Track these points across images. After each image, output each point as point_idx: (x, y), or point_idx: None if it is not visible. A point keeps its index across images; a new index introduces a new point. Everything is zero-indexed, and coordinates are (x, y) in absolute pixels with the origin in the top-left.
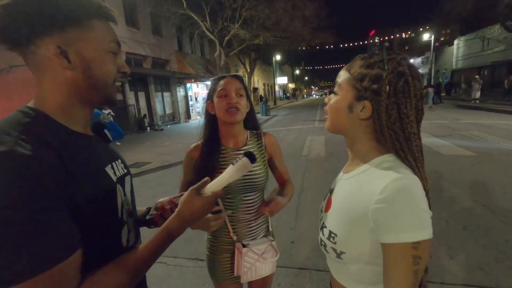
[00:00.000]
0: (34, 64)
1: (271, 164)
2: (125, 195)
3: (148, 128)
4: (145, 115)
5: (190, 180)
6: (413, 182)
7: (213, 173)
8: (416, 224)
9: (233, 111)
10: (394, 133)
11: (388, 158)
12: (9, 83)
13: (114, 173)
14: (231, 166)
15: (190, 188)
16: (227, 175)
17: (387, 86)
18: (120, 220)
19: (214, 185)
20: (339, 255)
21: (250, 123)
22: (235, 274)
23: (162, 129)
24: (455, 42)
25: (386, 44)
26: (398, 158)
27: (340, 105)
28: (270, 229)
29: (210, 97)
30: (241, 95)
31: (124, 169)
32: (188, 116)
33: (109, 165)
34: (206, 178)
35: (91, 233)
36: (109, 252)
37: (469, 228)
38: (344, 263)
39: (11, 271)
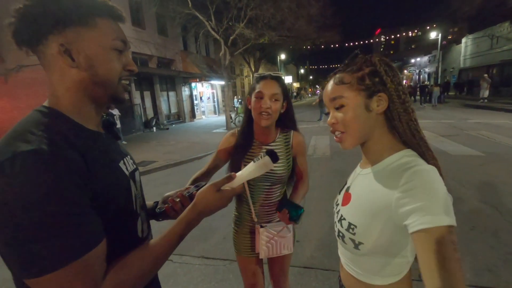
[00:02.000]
0: (44, 63)
1: (293, 161)
2: (136, 189)
3: (155, 127)
4: (152, 117)
5: (218, 162)
6: (433, 169)
7: (239, 162)
8: (446, 208)
9: (265, 116)
10: (406, 113)
11: (408, 153)
12: (18, 82)
13: (126, 168)
14: (252, 163)
15: (212, 183)
16: (246, 172)
17: (386, 75)
18: (135, 212)
19: (233, 182)
20: (357, 245)
21: (285, 122)
22: (256, 251)
23: (167, 128)
24: (463, 40)
25: (357, 51)
26: (416, 148)
27: (357, 112)
28: None
29: (250, 92)
30: (276, 100)
31: (133, 164)
32: (193, 115)
33: (121, 161)
34: (230, 174)
35: (110, 225)
36: (127, 242)
37: (477, 228)
38: (361, 254)
39: (43, 261)
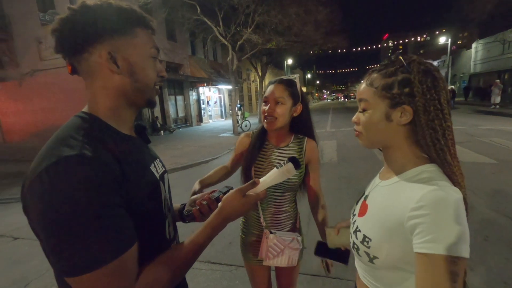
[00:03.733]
0: (87, 70)
1: (306, 169)
2: (165, 191)
3: (162, 131)
4: (157, 117)
5: (236, 162)
6: (452, 194)
7: (251, 162)
8: (455, 237)
9: (269, 119)
10: (433, 131)
11: (429, 169)
12: (31, 86)
13: (157, 171)
14: (274, 169)
15: (237, 188)
16: (270, 178)
17: (419, 86)
18: (164, 214)
19: (258, 188)
20: (371, 259)
21: (300, 126)
22: (259, 257)
23: (172, 131)
24: (473, 45)
25: (399, 51)
26: (439, 166)
27: (376, 118)
28: (298, 226)
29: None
30: (280, 103)
31: (162, 167)
32: (200, 119)
33: (152, 164)
34: (254, 180)
35: (141, 228)
36: (155, 244)
37: (490, 239)
38: (376, 268)
39: (83, 261)
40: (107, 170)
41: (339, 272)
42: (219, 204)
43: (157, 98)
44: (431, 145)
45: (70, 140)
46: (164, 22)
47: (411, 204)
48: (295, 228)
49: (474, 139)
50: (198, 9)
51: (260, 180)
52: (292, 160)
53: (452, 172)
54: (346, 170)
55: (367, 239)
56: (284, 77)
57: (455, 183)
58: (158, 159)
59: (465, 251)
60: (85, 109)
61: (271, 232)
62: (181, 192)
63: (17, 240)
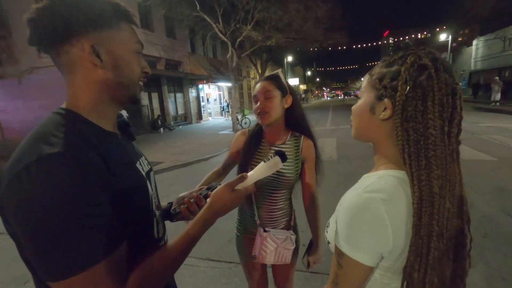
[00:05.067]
0: (67, 64)
1: (302, 166)
2: (152, 189)
3: (162, 129)
4: (159, 116)
5: (230, 162)
6: (373, 203)
7: (248, 161)
8: (342, 233)
9: (262, 115)
10: (406, 133)
11: (393, 174)
12: (31, 84)
13: (142, 169)
14: (262, 163)
15: (226, 183)
16: (257, 172)
17: (405, 81)
18: (152, 212)
19: (246, 182)
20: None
21: (294, 119)
22: (253, 253)
23: (172, 129)
24: (474, 42)
25: (407, 41)
26: (409, 176)
27: (362, 108)
28: (292, 223)
29: None
30: (269, 98)
31: (148, 165)
32: (199, 116)
33: (138, 162)
34: (242, 174)
35: (129, 226)
36: (143, 242)
37: (489, 236)
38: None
39: (67, 264)
40: (92, 168)
41: None
42: (208, 200)
43: (155, 97)
44: (400, 148)
45: (50, 137)
46: (163, 19)
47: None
48: (289, 225)
49: (474, 137)
50: (198, 5)
51: (248, 174)
52: (279, 153)
53: (416, 185)
54: (345, 167)
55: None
56: (269, 75)
57: (413, 199)
58: (143, 157)
59: (351, 251)
60: (63, 105)
61: (265, 230)
62: (181, 189)
63: None
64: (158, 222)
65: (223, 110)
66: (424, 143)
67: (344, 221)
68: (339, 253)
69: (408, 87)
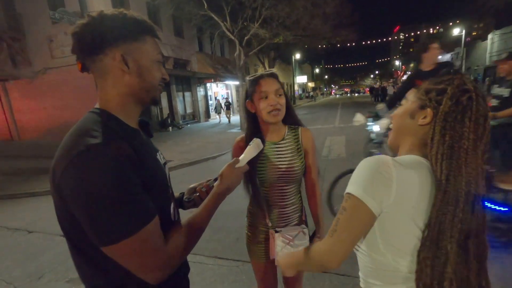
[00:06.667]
0: (101, 70)
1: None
2: (168, 179)
3: (171, 127)
4: (168, 115)
5: None
6: (388, 161)
7: (254, 164)
8: (353, 180)
9: (276, 112)
10: (443, 138)
11: (419, 158)
12: (43, 84)
13: (160, 160)
14: (249, 146)
15: (227, 164)
16: (246, 154)
17: (450, 97)
18: (170, 197)
19: (240, 163)
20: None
21: (289, 117)
22: (270, 257)
23: (181, 128)
24: (489, 36)
25: (452, 59)
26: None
27: (404, 111)
28: (304, 218)
29: (249, 96)
30: (280, 95)
31: (163, 158)
32: (207, 115)
33: (157, 154)
34: (236, 158)
35: (154, 204)
36: (163, 224)
37: (504, 235)
38: (359, 256)
39: (118, 231)
40: (128, 156)
41: (346, 269)
42: (219, 176)
43: (164, 96)
44: (435, 149)
45: (92, 131)
46: (171, 18)
47: None
48: (301, 221)
49: None
50: (205, 4)
51: (240, 158)
52: (259, 137)
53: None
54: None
55: None
56: (268, 72)
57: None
58: (159, 152)
59: (353, 189)
60: (97, 105)
61: (276, 231)
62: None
63: (31, 233)
64: (174, 207)
65: (215, 109)
66: (457, 148)
67: (358, 169)
68: (346, 198)
69: (451, 102)
